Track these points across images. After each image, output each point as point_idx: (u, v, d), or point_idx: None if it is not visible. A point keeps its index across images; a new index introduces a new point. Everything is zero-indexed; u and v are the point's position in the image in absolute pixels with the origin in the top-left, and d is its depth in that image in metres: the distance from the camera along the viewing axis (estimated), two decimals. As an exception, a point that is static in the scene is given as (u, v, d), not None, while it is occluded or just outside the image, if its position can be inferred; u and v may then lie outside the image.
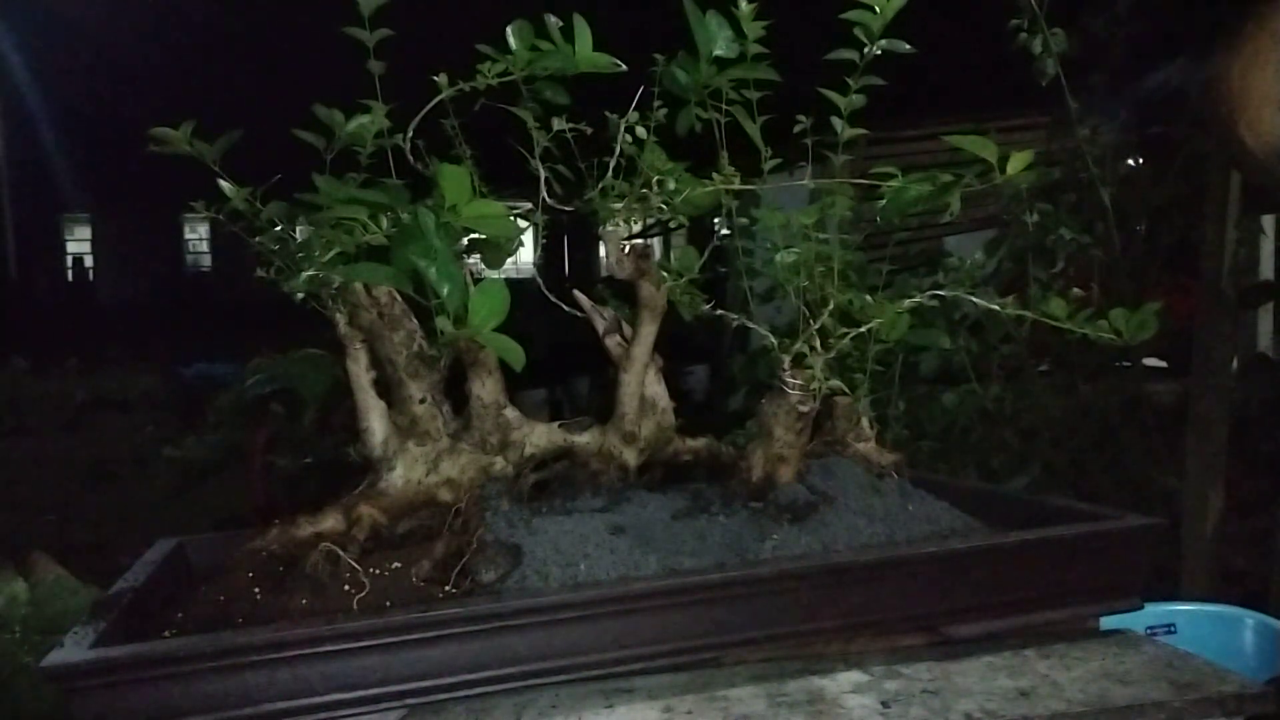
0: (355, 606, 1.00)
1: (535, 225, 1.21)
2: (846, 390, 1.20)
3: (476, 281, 0.99)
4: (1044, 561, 1.12)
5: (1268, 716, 0.95)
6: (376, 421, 1.16)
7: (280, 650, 0.89)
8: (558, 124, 1.14)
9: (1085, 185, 2.91)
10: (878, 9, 1.07)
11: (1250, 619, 1.70)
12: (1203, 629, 1.65)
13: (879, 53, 1.10)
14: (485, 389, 1.19)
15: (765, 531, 1.12)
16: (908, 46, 1.10)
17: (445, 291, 0.95)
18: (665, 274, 1.23)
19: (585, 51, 1.06)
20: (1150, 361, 3.05)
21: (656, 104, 1.15)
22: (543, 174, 1.15)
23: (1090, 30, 2.91)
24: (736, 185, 1.16)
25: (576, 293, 1.28)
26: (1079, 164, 2.90)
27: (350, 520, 1.12)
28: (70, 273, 20.73)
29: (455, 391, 1.20)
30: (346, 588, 1.03)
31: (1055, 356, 2.93)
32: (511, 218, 1.05)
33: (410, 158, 1.17)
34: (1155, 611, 1.61)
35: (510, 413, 1.21)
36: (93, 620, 0.94)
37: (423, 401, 1.16)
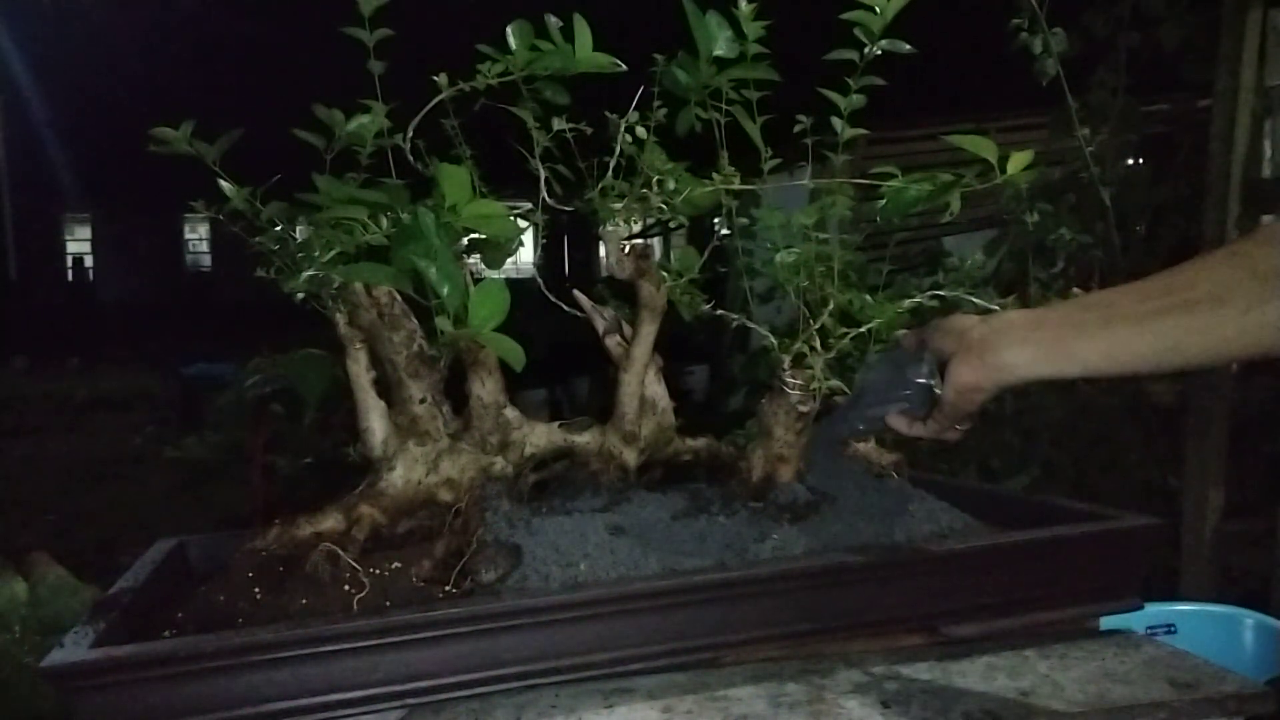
0: (355, 606, 1.00)
1: (535, 225, 1.21)
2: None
3: (476, 281, 0.99)
4: (1044, 561, 1.12)
5: (1268, 716, 0.95)
6: (376, 421, 1.16)
7: (280, 650, 0.89)
8: (558, 124, 1.14)
9: (1085, 185, 2.91)
10: (878, 9, 1.07)
11: (1250, 619, 1.70)
12: (1203, 629, 1.65)
13: (879, 53, 1.10)
14: (485, 389, 1.19)
15: (765, 531, 1.12)
16: (908, 47, 1.10)
17: (445, 291, 0.95)
18: (665, 274, 1.23)
19: (585, 51, 1.06)
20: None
21: (656, 104, 1.15)
22: (543, 174, 1.15)
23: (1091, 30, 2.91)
24: (736, 185, 1.16)
25: (576, 293, 1.27)
26: (1079, 164, 2.90)
27: (350, 520, 1.12)
28: (70, 273, 20.72)
29: (455, 391, 1.20)
30: (346, 588, 1.03)
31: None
32: (511, 218, 1.05)
33: (410, 158, 1.17)
34: (1155, 611, 1.61)
35: (510, 413, 1.21)
36: (93, 620, 0.94)
37: (423, 401, 1.16)
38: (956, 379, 0.95)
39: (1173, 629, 1.59)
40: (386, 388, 1.17)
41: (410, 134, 1.15)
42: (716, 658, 1.02)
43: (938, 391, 0.99)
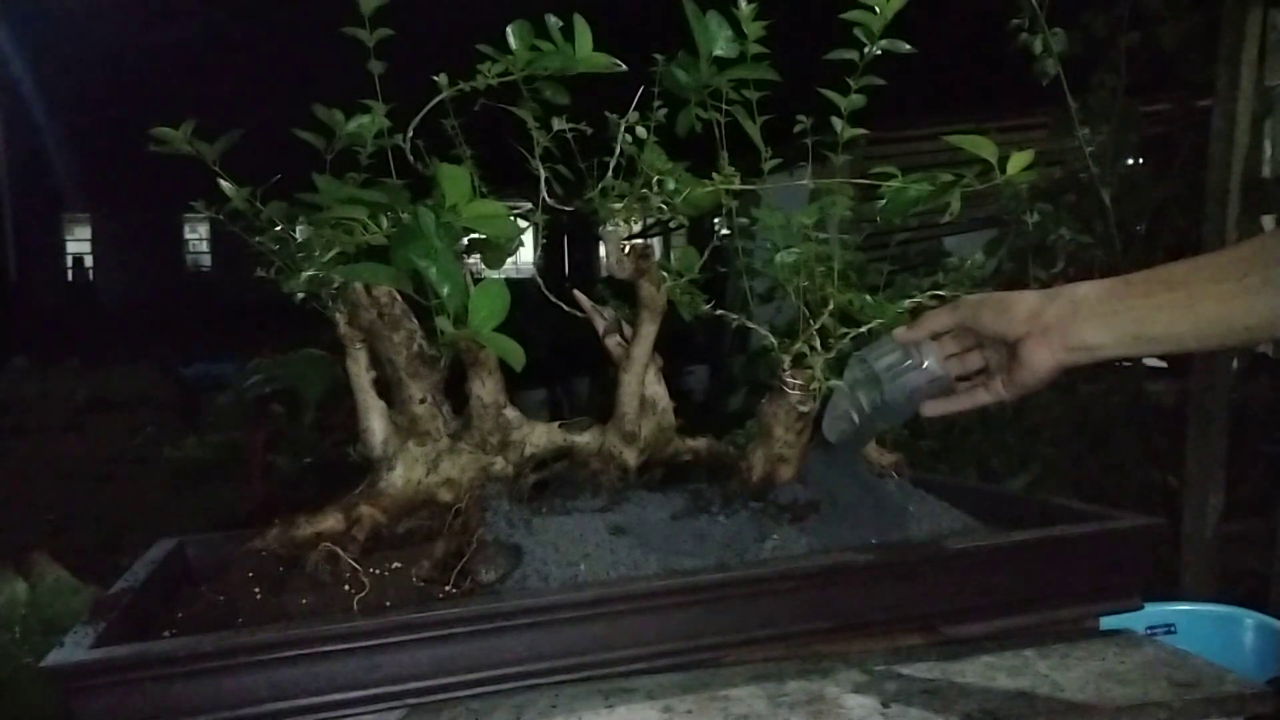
0: (355, 606, 1.00)
1: (535, 225, 1.21)
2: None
3: (476, 281, 0.99)
4: (1044, 561, 1.12)
5: (1268, 716, 0.95)
6: (376, 421, 1.16)
7: (280, 650, 0.89)
8: (558, 124, 1.14)
9: (1085, 185, 2.91)
10: (878, 9, 1.07)
11: (1250, 619, 1.70)
12: (1203, 629, 1.65)
13: (879, 53, 1.10)
14: (485, 389, 1.19)
15: (765, 531, 1.12)
16: (908, 47, 1.10)
17: (445, 291, 0.95)
18: (665, 274, 1.23)
19: (585, 51, 1.06)
20: (1150, 361, 3.05)
21: (656, 104, 1.15)
22: (543, 174, 1.15)
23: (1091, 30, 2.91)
24: (736, 185, 1.16)
25: (576, 293, 1.27)
26: (1079, 164, 2.90)
27: (350, 520, 1.12)
28: (70, 273, 20.73)
29: (455, 391, 1.20)
30: (346, 588, 1.03)
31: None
32: (511, 218, 1.05)
33: (410, 158, 1.17)
34: (1155, 611, 1.61)
35: (510, 413, 1.21)
36: (93, 620, 0.94)
37: (423, 401, 1.16)
38: (1036, 363, 0.92)
39: (1173, 629, 1.59)
40: (386, 388, 1.17)
41: (410, 134, 1.15)
42: (716, 658, 1.02)
43: (941, 373, 0.99)
